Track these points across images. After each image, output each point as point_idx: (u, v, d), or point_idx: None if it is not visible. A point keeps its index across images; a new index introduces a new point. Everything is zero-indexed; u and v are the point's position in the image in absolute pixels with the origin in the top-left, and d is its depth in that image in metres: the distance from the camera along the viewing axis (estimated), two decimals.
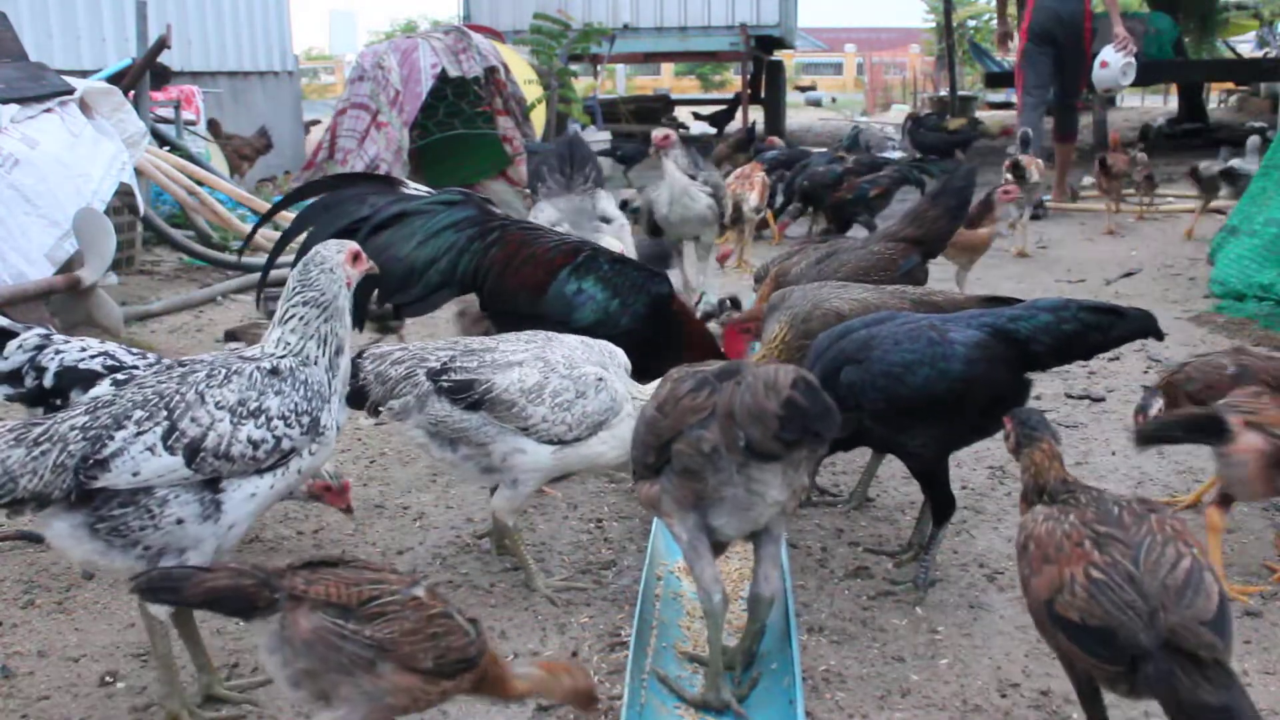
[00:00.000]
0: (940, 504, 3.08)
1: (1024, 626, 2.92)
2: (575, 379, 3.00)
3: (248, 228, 8.26)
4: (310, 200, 4.02)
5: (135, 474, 2.34)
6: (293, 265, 3.36)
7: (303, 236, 3.94)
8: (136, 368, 3.01)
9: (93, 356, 3.02)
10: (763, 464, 2.35)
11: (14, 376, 3.02)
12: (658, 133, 5.92)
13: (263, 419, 2.44)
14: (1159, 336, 3.01)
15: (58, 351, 3.02)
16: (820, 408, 2.27)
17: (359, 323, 3.83)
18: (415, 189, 3.98)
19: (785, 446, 2.31)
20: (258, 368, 2.50)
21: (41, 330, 3.08)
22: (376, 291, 3.83)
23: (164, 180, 7.96)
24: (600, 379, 3.02)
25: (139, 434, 2.35)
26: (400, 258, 3.74)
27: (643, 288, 3.76)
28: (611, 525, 3.64)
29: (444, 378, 2.97)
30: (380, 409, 3.06)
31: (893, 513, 3.72)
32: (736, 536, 2.53)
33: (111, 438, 2.34)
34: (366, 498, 3.89)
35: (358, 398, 3.03)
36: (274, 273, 4.07)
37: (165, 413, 2.39)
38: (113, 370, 3.01)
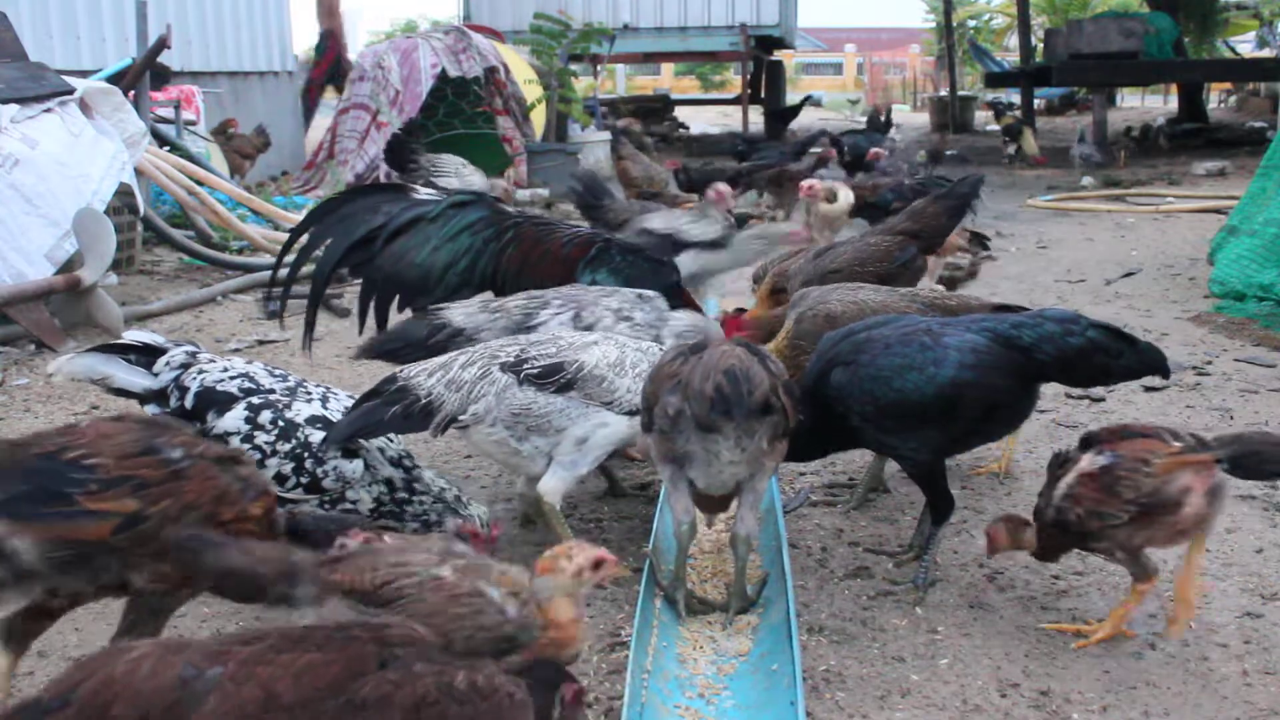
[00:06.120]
0: (939, 504, 3.08)
1: (1024, 627, 2.93)
2: (645, 351, 3.17)
3: (248, 228, 8.27)
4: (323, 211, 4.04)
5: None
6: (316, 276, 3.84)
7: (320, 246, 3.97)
8: (274, 390, 3.05)
9: (232, 378, 3.04)
10: (709, 433, 2.68)
11: (161, 395, 3.05)
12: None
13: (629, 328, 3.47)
14: (1165, 375, 2.99)
15: (200, 371, 3.05)
16: (738, 396, 2.60)
17: (381, 326, 3.89)
18: (427, 194, 4.00)
19: (714, 423, 2.65)
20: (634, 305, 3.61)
21: (189, 348, 3.12)
22: (398, 297, 3.89)
23: (164, 180, 7.96)
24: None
25: (555, 314, 3.49)
26: (418, 263, 3.81)
27: (654, 278, 3.84)
28: (612, 526, 3.64)
29: (528, 365, 3.01)
30: (458, 418, 2.97)
31: (893, 513, 3.72)
32: (711, 488, 2.85)
33: (537, 313, 3.50)
34: None
35: (423, 418, 2.95)
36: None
37: (574, 304, 3.51)
38: (249, 393, 3.03)
